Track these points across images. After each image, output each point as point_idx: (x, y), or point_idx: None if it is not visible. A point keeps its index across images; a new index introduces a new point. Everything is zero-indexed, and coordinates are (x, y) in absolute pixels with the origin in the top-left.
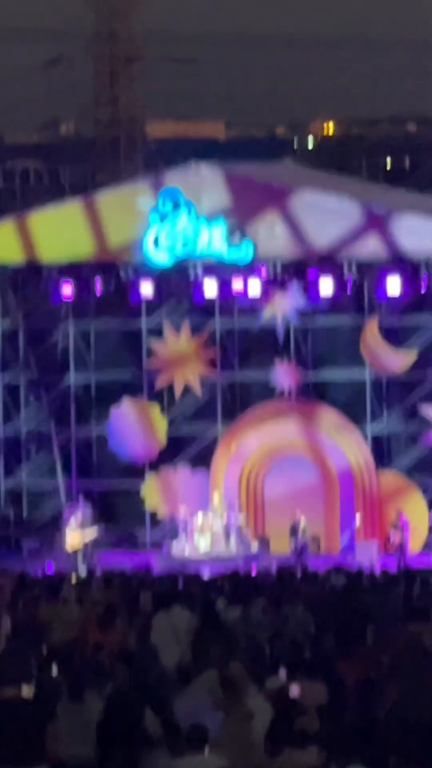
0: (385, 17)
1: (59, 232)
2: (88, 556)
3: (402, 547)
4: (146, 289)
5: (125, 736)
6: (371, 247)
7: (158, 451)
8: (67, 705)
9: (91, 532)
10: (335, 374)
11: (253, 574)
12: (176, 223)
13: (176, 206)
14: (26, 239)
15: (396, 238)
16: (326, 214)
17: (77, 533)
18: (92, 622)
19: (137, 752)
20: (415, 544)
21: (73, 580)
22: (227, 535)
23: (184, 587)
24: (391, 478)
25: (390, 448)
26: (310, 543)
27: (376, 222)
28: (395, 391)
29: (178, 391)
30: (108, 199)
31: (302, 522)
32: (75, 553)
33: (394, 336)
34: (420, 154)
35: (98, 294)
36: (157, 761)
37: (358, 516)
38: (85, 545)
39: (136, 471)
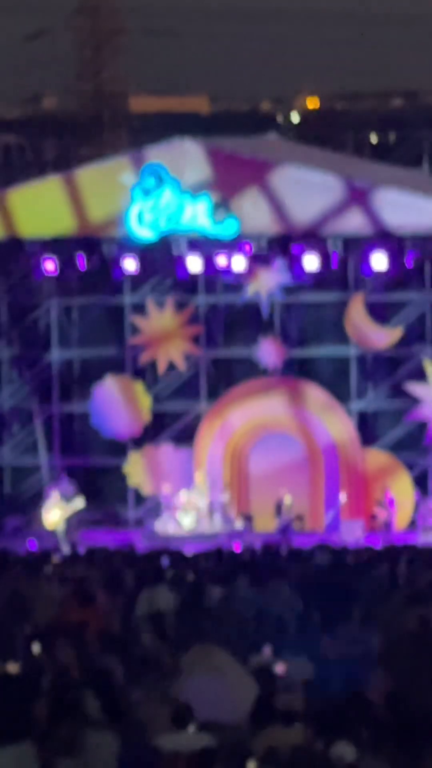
0: None
1: (39, 207)
2: (71, 533)
3: (388, 525)
4: (130, 264)
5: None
6: (354, 222)
7: (142, 428)
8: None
9: (76, 505)
10: (320, 351)
11: (237, 551)
12: (160, 199)
13: (160, 182)
14: (6, 215)
15: (379, 212)
16: (309, 188)
17: (58, 508)
18: (74, 600)
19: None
20: (400, 522)
21: (55, 559)
22: (211, 512)
23: (168, 565)
24: (376, 455)
25: (375, 425)
26: (295, 521)
27: (358, 196)
28: (380, 368)
29: (161, 367)
30: (88, 175)
31: (287, 499)
32: (56, 530)
33: (379, 312)
34: (405, 129)
35: (81, 269)
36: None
37: (343, 494)
38: (68, 522)
39: (119, 448)
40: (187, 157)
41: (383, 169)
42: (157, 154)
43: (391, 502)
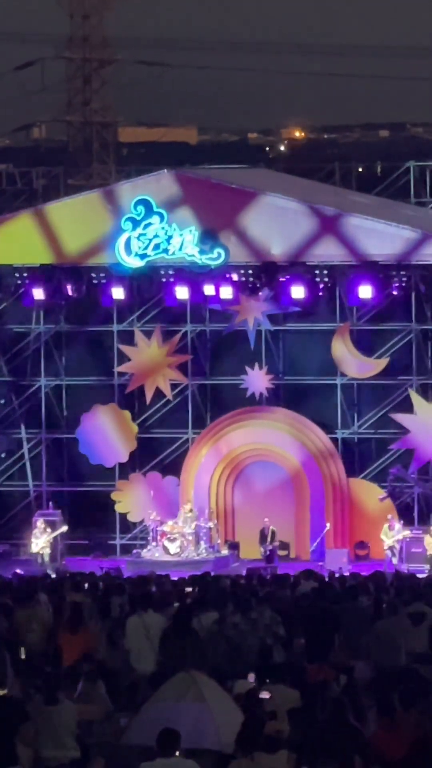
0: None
1: (15, 242)
2: (57, 559)
3: (393, 551)
4: (118, 293)
5: None
6: (331, 250)
7: (129, 455)
8: (40, 708)
9: (59, 529)
10: (306, 379)
11: (223, 577)
12: (148, 229)
13: (148, 212)
14: None
15: (355, 241)
16: (287, 218)
17: (44, 536)
18: (63, 625)
19: None
20: (383, 552)
21: (43, 585)
22: (197, 540)
23: (155, 590)
24: (361, 485)
25: (361, 454)
26: (280, 549)
27: (330, 225)
28: (366, 397)
29: (149, 395)
30: (58, 209)
31: (271, 528)
32: (42, 557)
33: (365, 342)
34: (392, 160)
35: (70, 297)
36: None
37: (328, 523)
38: (54, 548)
39: (106, 475)
40: (175, 187)
41: (369, 199)
42: (144, 184)
43: (395, 530)
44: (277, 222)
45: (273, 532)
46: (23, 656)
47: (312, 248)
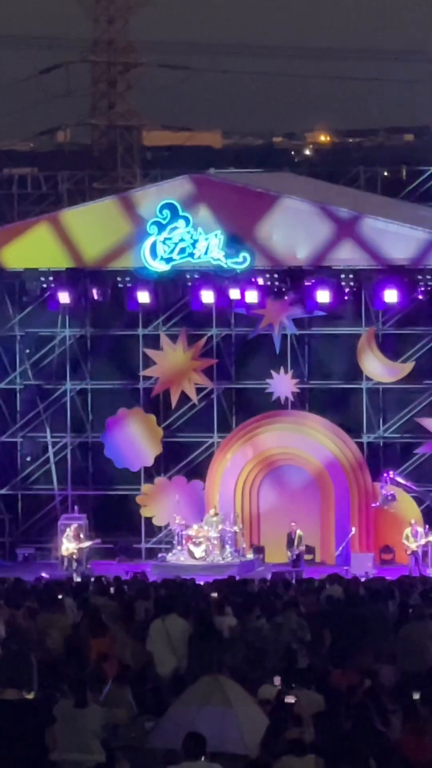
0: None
1: (37, 246)
2: (83, 563)
3: (417, 557)
4: (143, 297)
5: None
6: (350, 253)
7: (154, 460)
8: (68, 711)
9: (87, 543)
10: (332, 384)
11: (250, 581)
12: (174, 233)
13: (174, 216)
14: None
15: (372, 243)
16: (308, 221)
17: (73, 543)
18: (88, 629)
19: None
20: (407, 557)
21: (69, 588)
22: (223, 544)
23: (180, 595)
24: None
25: (386, 458)
26: (306, 553)
27: (347, 227)
28: (392, 401)
29: (174, 399)
30: (74, 216)
31: (298, 532)
32: (70, 560)
33: (391, 346)
34: (417, 164)
35: (96, 301)
36: None
37: (353, 527)
38: (80, 553)
39: (132, 479)
40: (202, 191)
41: (394, 204)
42: (170, 188)
43: (418, 535)
44: (299, 226)
45: (300, 537)
46: (46, 659)
47: (332, 252)
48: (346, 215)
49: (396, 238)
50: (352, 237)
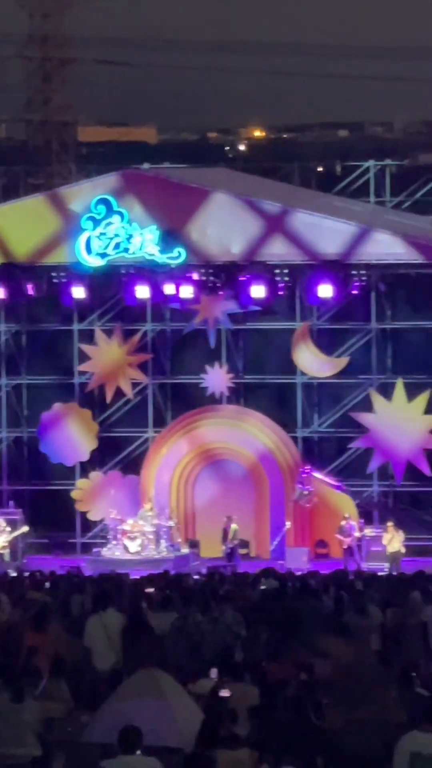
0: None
1: None
2: (18, 558)
3: (351, 551)
4: (78, 292)
5: None
6: (283, 248)
7: (90, 455)
8: (4, 705)
9: (20, 530)
10: (267, 378)
11: (186, 576)
12: (108, 228)
13: (109, 211)
14: None
15: (302, 237)
16: (241, 217)
17: (4, 536)
18: (27, 623)
19: None
20: (342, 551)
21: (3, 582)
22: (158, 539)
23: (115, 589)
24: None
25: (321, 453)
26: (240, 547)
27: (277, 222)
28: (327, 396)
29: (109, 395)
30: (4, 214)
31: (233, 526)
32: (2, 555)
33: (325, 341)
34: (351, 159)
35: (31, 296)
36: None
37: (288, 522)
38: (13, 546)
39: (67, 474)
40: (137, 187)
41: (328, 199)
42: (104, 183)
43: (352, 529)
44: (232, 221)
45: (235, 531)
46: None
47: (265, 246)
48: (276, 210)
49: (326, 232)
50: (283, 231)
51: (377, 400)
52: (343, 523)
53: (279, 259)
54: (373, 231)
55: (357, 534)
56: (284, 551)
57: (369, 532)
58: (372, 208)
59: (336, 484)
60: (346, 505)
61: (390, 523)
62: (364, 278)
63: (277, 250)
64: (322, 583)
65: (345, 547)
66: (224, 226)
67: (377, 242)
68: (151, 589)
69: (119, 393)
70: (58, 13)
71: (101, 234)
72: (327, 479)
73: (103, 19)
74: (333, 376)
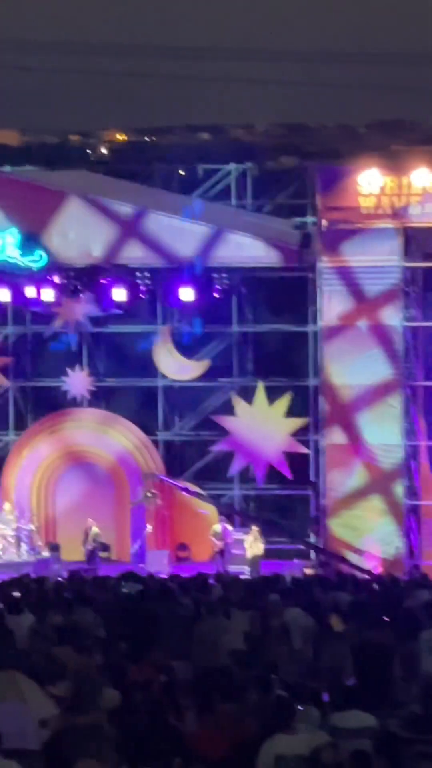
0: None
1: None
2: None
3: (222, 554)
4: None
5: None
6: (140, 251)
7: None
8: None
9: None
10: (128, 381)
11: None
12: None
13: None
14: None
15: (160, 241)
16: (100, 220)
17: None
18: None
19: None
20: (203, 554)
21: None
22: (18, 542)
23: None
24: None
25: (182, 456)
26: (102, 550)
27: (135, 226)
28: (188, 400)
29: None
30: None
31: (93, 529)
32: None
33: (186, 344)
34: (213, 163)
35: None
36: None
37: (149, 525)
38: None
39: None
40: None
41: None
42: None
43: (227, 533)
44: (92, 224)
45: (95, 533)
46: None
47: (125, 249)
48: (130, 212)
49: (182, 234)
50: (139, 234)
51: (238, 403)
52: (217, 526)
53: (140, 263)
54: (231, 233)
55: (233, 537)
56: (145, 554)
57: (240, 536)
58: (234, 210)
59: (182, 486)
60: (207, 508)
61: (254, 528)
62: (225, 281)
63: (136, 254)
64: (182, 587)
65: (216, 550)
66: (83, 229)
67: (238, 245)
68: (14, 593)
69: None
70: None
71: None
72: (175, 482)
73: None
74: (194, 379)
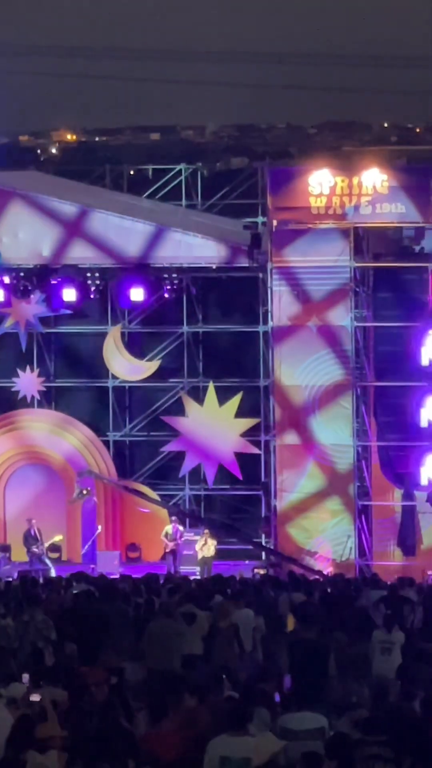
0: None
1: None
2: None
3: (174, 555)
4: None
5: None
6: (88, 251)
7: None
8: None
9: None
10: (78, 382)
11: None
12: None
13: None
14: None
15: (105, 240)
16: (51, 220)
17: None
18: None
19: None
20: (154, 554)
21: None
22: None
23: None
24: (133, 486)
25: (132, 456)
26: (51, 551)
27: (80, 226)
28: (138, 400)
29: None
30: None
31: (42, 530)
32: None
33: (136, 344)
34: (163, 163)
35: None
36: None
37: (99, 525)
38: None
39: None
40: None
41: (141, 201)
42: None
43: (178, 533)
44: (41, 224)
45: (39, 533)
46: None
47: (73, 249)
48: (75, 211)
49: (127, 233)
50: (84, 234)
51: (189, 403)
52: (168, 527)
53: (89, 263)
54: (180, 233)
55: (184, 538)
56: (95, 555)
57: (191, 537)
58: (183, 210)
59: (122, 484)
60: (149, 507)
61: (206, 530)
62: (176, 281)
63: (85, 253)
64: (132, 587)
65: (168, 550)
66: (31, 229)
67: (188, 245)
68: None
69: None
70: None
71: None
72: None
73: None
74: (144, 379)
